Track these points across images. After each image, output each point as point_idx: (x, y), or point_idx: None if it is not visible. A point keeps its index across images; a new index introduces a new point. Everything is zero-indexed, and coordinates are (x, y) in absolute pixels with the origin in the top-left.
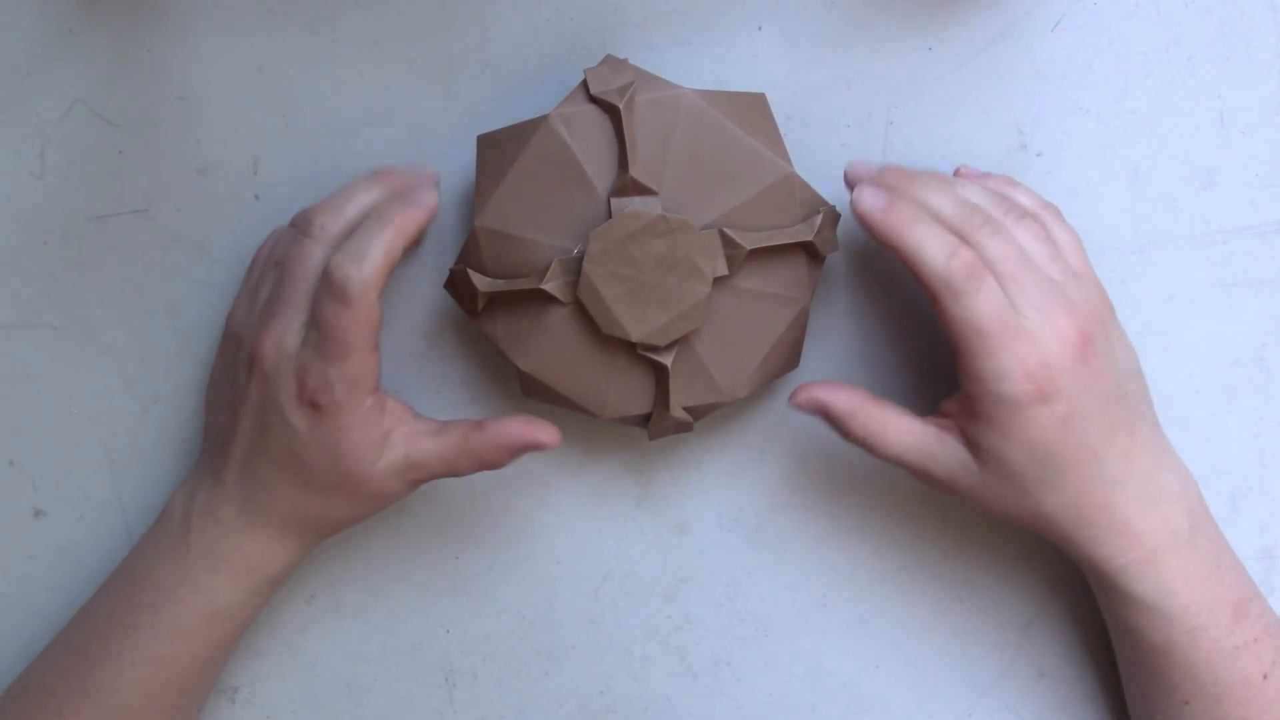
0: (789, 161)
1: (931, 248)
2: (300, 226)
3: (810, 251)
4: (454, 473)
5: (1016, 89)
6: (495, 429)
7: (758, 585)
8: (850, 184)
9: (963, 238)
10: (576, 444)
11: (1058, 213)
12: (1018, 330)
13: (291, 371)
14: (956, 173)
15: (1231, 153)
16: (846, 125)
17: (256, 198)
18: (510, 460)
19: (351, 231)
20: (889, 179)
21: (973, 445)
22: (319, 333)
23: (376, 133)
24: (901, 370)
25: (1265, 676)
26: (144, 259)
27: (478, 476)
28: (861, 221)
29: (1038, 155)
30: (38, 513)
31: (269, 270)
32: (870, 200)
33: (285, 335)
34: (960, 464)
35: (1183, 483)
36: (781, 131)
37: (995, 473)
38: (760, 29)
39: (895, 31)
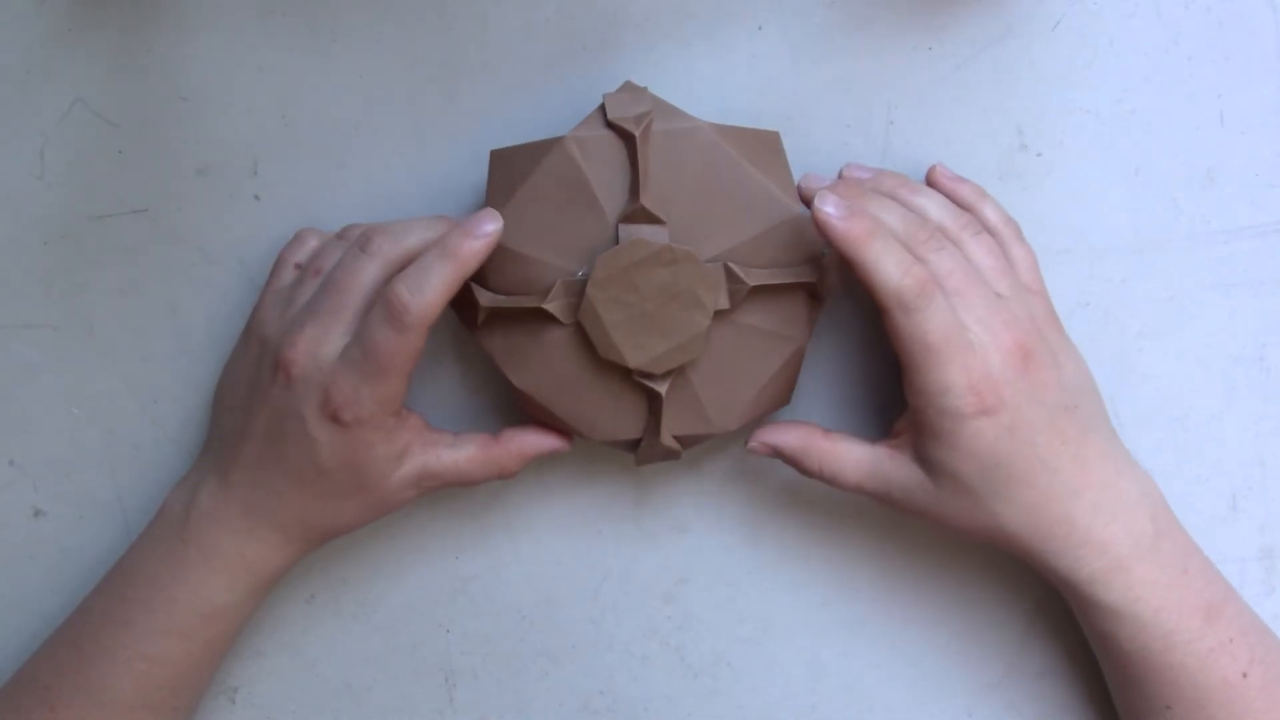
0: (799, 202)
1: (887, 264)
2: (358, 243)
3: (812, 292)
4: (468, 482)
5: (1016, 89)
6: (515, 441)
7: (758, 585)
8: (805, 199)
9: (911, 252)
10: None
11: (1018, 230)
12: (962, 344)
13: (320, 382)
14: (932, 171)
15: (1231, 153)
16: (846, 125)
17: (256, 198)
18: (523, 467)
19: (408, 259)
20: (843, 191)
21: (924, 461)
22: (362, 350)
23: (376, 133)
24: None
25: (1245, 675)
26: (144, 259)
27: None
28: (820, 230)
29: (1038, 155)
30: (38, 513)
31: (309, 277)
32: (830, 208)
33: (322, 345)
34: (915, 482)
35: (1144, 490)
36: (782, 131)
37: (948, 487)
38: (760, 29)
39: (895, 31)
